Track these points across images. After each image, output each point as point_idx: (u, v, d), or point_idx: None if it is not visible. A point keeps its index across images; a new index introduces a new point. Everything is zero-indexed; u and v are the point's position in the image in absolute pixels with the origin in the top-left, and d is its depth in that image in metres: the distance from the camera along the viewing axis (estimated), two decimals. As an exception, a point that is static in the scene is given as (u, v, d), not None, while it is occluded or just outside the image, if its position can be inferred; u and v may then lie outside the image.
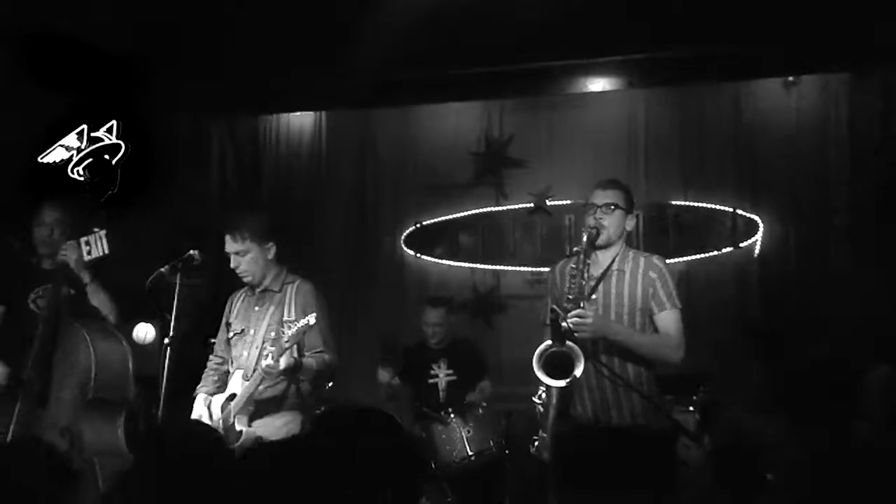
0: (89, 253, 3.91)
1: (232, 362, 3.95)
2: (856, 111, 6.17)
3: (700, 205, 6.50)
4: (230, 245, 3.88)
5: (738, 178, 6.46)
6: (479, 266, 6.92)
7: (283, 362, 3.57)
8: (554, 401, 3.31)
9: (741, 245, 6.39)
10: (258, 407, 3.76)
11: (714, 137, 6.52)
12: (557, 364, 3.19)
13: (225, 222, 3.99)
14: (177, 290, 3.84)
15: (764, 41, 5.69)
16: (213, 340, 4.17)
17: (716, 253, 6.44)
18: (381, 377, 5.29)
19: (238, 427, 3.71)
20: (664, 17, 5.48)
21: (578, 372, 3.16)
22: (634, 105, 6.70)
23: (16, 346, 3.90)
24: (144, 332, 5.59)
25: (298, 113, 7.29)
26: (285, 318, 3.78)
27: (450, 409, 5.04)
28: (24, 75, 5.26)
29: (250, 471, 1.81)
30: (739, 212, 6.40)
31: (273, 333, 3.66)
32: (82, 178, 5.24)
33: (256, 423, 3.76)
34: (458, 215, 6.96)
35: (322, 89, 6.63)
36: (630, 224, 3.51)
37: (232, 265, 3.91)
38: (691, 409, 5.11)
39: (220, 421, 3.77)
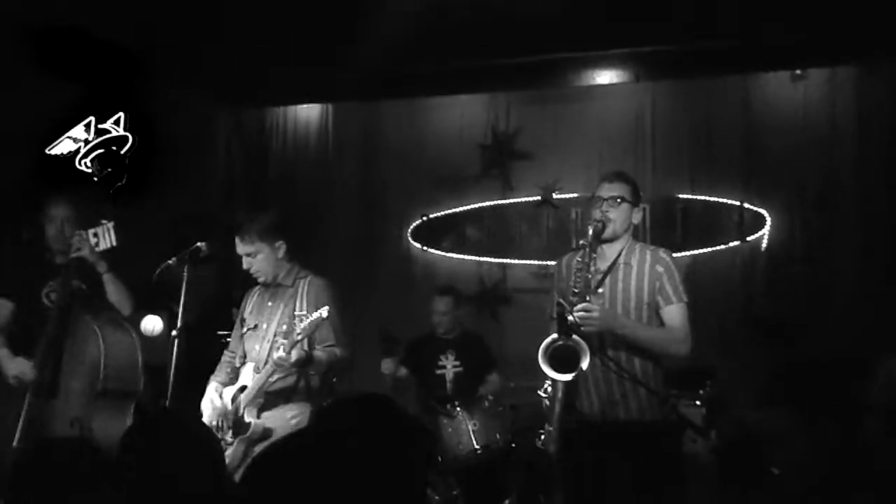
0: (97, 245, 3.94)
1: (245, 356, 3.97)
2: (864, 104, 6.14)
3: (707, 198, 6.48)
4: (241, 247, 3.89)
5: (745, 171, 6.43)
6: (485, 259, 6.93)
7: (294, 355, 3.58)
8: (560, 395, 3.29)
9: (748, 239, 6.36)
10: (268, 399, 3.78)
11: (721, 131, 6.49)
12: (563, 358, 3.18)
13: (234, 225, 4.00)
14: (184, 282, 3.86)
15: (772, 34, 5.67)
16: (221, 333, 4.19)
17: (723, 247, 6.42)
18: (384, 368, 5.30)
19: (247, 418, 3.74)
20: (671, 9, 5.47)
21: (584, 366, 3.16)
22: (642, 98, 6.67)
23: (30, 341, 3.93)
24: (153, 324, 5.60)
25: (305, 105, 7.29)
26: (297, 311, 3.79)
27: (456, 403, 5.04)
28: (31, 67, 5.27)
29: (255, 478, 1.81)
30: (747, 205, 6.37)
31: (285, 327, 3.67)
32: (90, 170, 5.26)
33: (265, 414, 3.78)
34: (465, 208, 6.96)
35: (329, 82, 6.63)
36: (637, 217, 3.49)
37: (244, 266, 3.92)
38: (698, 403, 5.10)
39: (230, 411, 3.80)
